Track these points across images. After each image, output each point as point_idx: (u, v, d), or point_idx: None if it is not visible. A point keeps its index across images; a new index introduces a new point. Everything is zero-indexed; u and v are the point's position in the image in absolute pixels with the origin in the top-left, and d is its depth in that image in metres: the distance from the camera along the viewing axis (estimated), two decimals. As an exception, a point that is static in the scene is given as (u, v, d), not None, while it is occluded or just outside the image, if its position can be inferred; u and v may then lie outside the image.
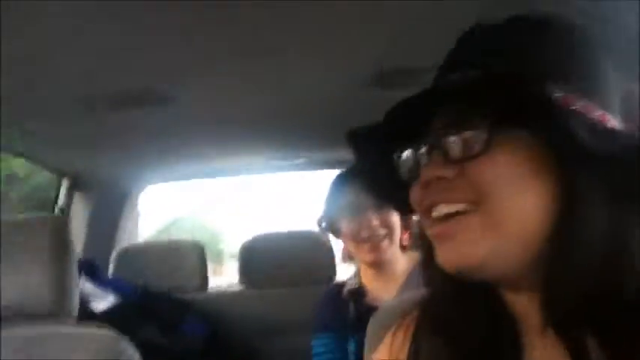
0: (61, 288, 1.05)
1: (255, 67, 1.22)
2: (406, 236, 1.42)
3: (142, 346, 1.15)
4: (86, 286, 1.55)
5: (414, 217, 1.44)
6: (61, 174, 2.04)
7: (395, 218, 1.38)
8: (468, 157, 0.48)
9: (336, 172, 1.61)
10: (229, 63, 1.19)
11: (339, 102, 1.50)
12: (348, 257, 1.55)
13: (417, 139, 0.53)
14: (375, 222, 1.36)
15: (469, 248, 0.48)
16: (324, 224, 1.49)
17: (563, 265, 0.47)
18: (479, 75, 0.49)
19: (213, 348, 1.67)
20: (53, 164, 1.96)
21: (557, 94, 0.45)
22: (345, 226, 1.42)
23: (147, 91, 1.31)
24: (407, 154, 0.54)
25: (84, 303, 1.48)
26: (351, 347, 1.37)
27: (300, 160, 2.18)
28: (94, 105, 1.36)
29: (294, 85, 1.37)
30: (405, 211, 0.59)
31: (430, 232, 0.52)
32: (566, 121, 0.44)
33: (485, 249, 0.47)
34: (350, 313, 1.41)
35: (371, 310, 1.36)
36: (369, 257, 1.39)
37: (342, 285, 1.50)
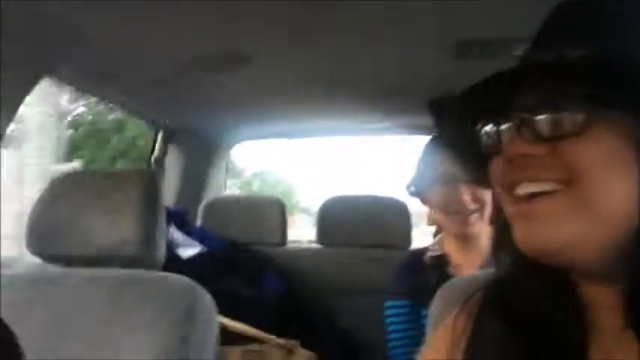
0: (149, 236, 1.14)
1: (343, 33, 1.24)
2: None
3: (222, 295, 1.24)
4: (175, 234, 1.66)
5: None
6: (157, 127, 2.17)
7: (487, 193, 1.32)
8: (564, 135, 0.47)
9: (417, 137, 1.60)
10: (316, 26, 1.22)
11: (423, 69, 1.49)
12: (434, 223, 1.53)
13: (500, 113, 0.52)
14: (466, 196, 1.33)
15: (553, 230, 0.47)
16: (413, 189, 1.47)
17: None
18: (585, 53, 0.47)
19: (289, 302, 1.74)
20: (151, 118, 2.09)
21: None
22: (434, 196, 1.40)
23: (233, 53, 1.38)
24: (490, 127, 0.54)
25: (172, 249, 1.59)
26: (426, 314, 1.37)
27: (383, 124, 2.18)
28: (190, 67, 1.45)
29: (378, 52, 1.38)
30: (484, 184, 0.59)
31: (511, 209, 0.51)
32: None
33: (569, 232, 0.46)
34: (429, 280, 1.38)
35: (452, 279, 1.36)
36: (456, 229, 1.37)
37: (422, 251, 1.49)
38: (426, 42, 1.30)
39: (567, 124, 0.47)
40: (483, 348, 0.57)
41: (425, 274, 1.41)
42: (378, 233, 1.99)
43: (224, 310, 1.24)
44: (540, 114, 0.48)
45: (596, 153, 0.46)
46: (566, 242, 0.46)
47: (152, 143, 2.20)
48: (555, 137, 0.47)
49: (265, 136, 2.48)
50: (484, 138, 0.54)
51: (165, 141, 2.19)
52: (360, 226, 2.00)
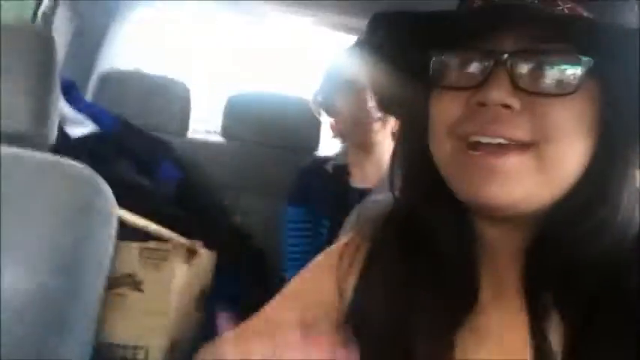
0: (41, 109, 0.98)
1: None
2: (397, 124, 1.40)
3: (116, 183, 1.12)
4: (64, 107, 1.46)
5: None
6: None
7: None
8: (548, 93, 0.44)
9: (342, 37, 1.54)
10: None
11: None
12: (338, 135, 1.53)
13: (470, 47, 0.47)
14: (371, 103, 1.33)
15: (513, 186, 0.46)
16: (319, 99, 1.47)
17: (571, 212, 0.47)
18: (594, 22, 0.45)
19: (185, 194, 1.65)
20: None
21: None
22: (340, 103, 1.41)
23: None
24: (454, 59, 0.49)
25: (60, 125, 1.40)
26: (325, 222, 1.40)
27: (309, 18, 2.04)
28: None
29: None
30: (393, 113, 0.62)
31: (465, 157, 0.47)
32: None
33: (527, 189, 0.46)
34: (330, 188, 1.43)
35: (352, 190, 1.39)
36: (359, 137, 1.40)
37: (325, 160, 1.52)
38: None
39: (554, 84, 0.45)
40: (375, 277, 0.57)
41: (326, 182, 1.45)
42: (285, 134, 1.93)
43: (119, 200, 1.13)
44: (526, 64, 0.45)
45: (571, 118, 0.46)
46: (522, 198, 0.47)
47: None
48: (536, 93, 0.45)
49: None
50: (438, 69, 0.50)
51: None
52: (267, 125, 1.93)
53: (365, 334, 0.54)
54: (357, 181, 1.43)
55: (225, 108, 1.95)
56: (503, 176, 0.46)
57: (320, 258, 0.65)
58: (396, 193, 0.59)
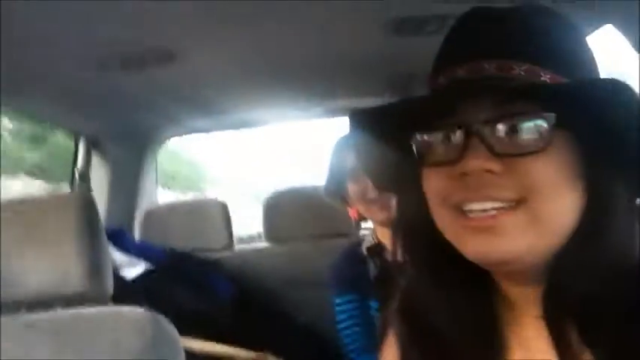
0: (94, 267, 1.04)
1: (267, 18, 1.17)
2: None
3: (177, 313, 1.16)
4: (115, 254, 1.55)
5: None
6: (77, 134, 2.01)
7: None
8: (522, 153, 0.47)
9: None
10: (239, 15, 1.14)
11: (356, 50, 1.45)
12: (361, 219, 1.54)
13: (445, 124, 0.51)
14: None
15: (510, 243, 0.48)
16: (331, 190, 1.49)
17: (577, 259, 0.48)
18: (560, 84, 0.48)
19: (241, 305, 1.68)
20: (69, 125, 1.93)
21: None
22: (351, 189, 1.41)
23: (155, 50, 1.29)
24: (433, 137, 0.52)
25: (114, 271, 1.48)
26: (374, 305, 1.38)
27: (318, 109, 2.13)
28: (106, 65, 1.33)
29: (307, 35, 1.32)
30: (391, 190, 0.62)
31: (462, 222, 0.50)
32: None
33: (524, 244, 0.48)
34: (370, 270, 1.42)
35: (391, 265, 1.38)
36: (379, 216, 1.39)
37: (359, 243, 1.51)
38: (358, 21, 1.26)
39: (527, 143, 0.47)
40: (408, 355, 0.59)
41: (364, 265, 1.44)
42: (324, 223, 1.96)
43: (182, 329, 1.17)
44: (497, 129, 0.48)
45: (551, 171, 0.47)
46: (521, 253, 0.48)
47: (73, 154, 2.04)
48: (514, 154, 0.47)
49: (193, 131, 2.37)
50: (420, 148, 0.53)
51: (89, 150, 2.03)
52: (306, 218, 1.97)
53: None
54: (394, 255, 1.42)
55: (264, 209, 2.01)
56: (499, 235, 0.48)
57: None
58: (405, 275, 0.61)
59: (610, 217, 0.49)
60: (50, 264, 1.01)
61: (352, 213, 1.51)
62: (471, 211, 0.49)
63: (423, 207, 0.55)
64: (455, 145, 0.49)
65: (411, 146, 0.54)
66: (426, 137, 0.52)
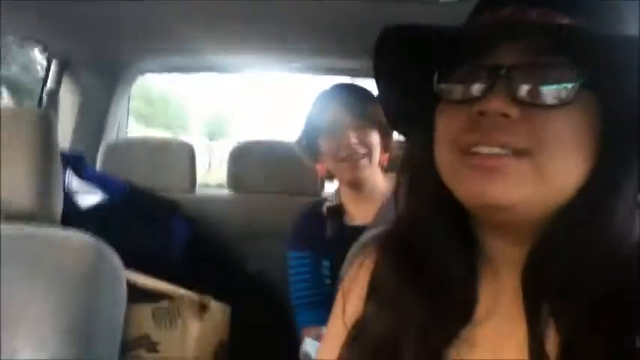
0: (44, 187, 1.02)
1: None
2: (386, 157, 1.43)
3: (128, 248, 1.16)
4: (73, 180, 1.53)
5: (395, 139, 1.46)
6: (51, 54, 1.95)
7: (374, 138, 1.38)
8: (544, 104, 0.47)
9: (335, 79, 1.57)
10: None
11: (350, 10, 1.42)
12: (328, 177, 1.55)
13: (471, 63, 0.50)
14: (354, 140, 1.36)
15: (509, 188, 0.48)
16: (304, 143, 1.49)
17: (569, 228, 0.48)
18: (574, 23, 0.48)
19: (197, 250, 1.69)
20: (44, 44, 1.87)
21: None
22: (323, 144, 1.42)
23: None
24: (458, 76, 0.51)
25: (70, 198, 1.46)
26: (326, 264, 1.40)
27: (297, 64, 2.11)
28: None
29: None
30: (400, 130, 0.62)
31: (466, 162, 0.50)
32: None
33: (525, 193, 0.48)
34: (327, 230, 1.44)
35: (348, 229, 1.40)
36: (347, 175, 1.40)
37: (321, 202, 1.52)
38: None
39: (550, 95, 0.47)
40: (382, 290, 0.59)
41: (322, 224, 1.45)
42: (289, 179, 1.96)
43: (130, 264, 1.17)
44: (524, 76, 0.47)
45: (567, 129, 0.47)
46: (519, 202, 0.48)
47: (44, 73, 1.98)
48: (533, 104, 0.47)
49: (169, 69, 2.32)
50: (443, 83, 0.53)
51: (60, 72, 1.97)
52: (271, 173, 1.97)
53: (361, 347, 0.57)
54: (352, 219, 1.43)
55: (229, 159, 2.00)
56: (502, 178, 0.47)
57: (342, 285, 0.67)
58: (400, 209, 0.61)
59: (615, 190, 0.49)
60: (1, 179, 0.99)
61: (320, 169, 1.52)
62: (478, 153, 0.48)
63: (430, 151, 0.55)
64: (477, 86, 0.49)
65: (431, 81, 0.53)
66: (450, 73, 0.52)
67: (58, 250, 0.95)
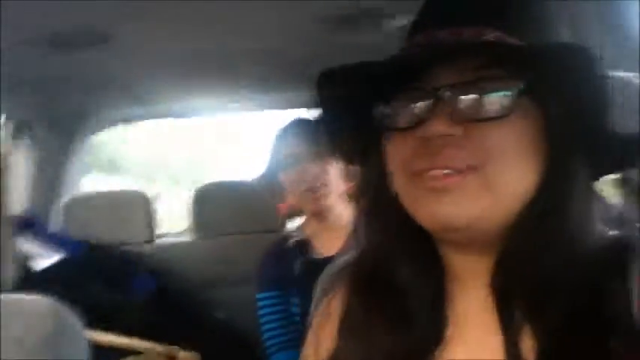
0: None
1: (209, 6, 1.16)
2: (351, 186, 1.43)
3: (88, 305, 1.12)
4: (25, 245, 1.49)
5: (354, 167, 1.47)
6: (6, 115, 1.91)
7: (335, 168, 1.39)
8: (484, 118, 0.48)
9: (293, 113, 1.59)
10: (172, 5, 1.12)
11: (299, 43, 1.46)
12: (290, 215, 1.55)
13: (410, 89, 0.51)
14: (315, 170, 1.37)
15: (468, 204, 0.48)
16: (265, 180, 1.51)
17: (530, 233, 0.49)
18: (521, 45, 0.49)
19: (163, 302, 1.65)
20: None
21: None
22: (285, 179, 1.43)
23: (86, 31, 1.25)
24: (398, 103, 0.52)
25: (24, 263, 1.42)
26: (295, 301, 1.39)
27: (254, 102, 2.12)
28: (35, 44, 1.28)
29: (248, 25, 1.32)
30: (354, 162, 0.63)
31: (418, 184, 0.50)
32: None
33: (477, 210, 0.48)
34: (294, 266, 1.43)
35: (315, 262, 1.39)
36: (311, 206, 1.41)
37: (286, 239, 1.51)
38: (294, 16, 1.27)
39: (490, 108, 0.48)
40: (352, 322, 0.59)
41: (289, 260, 1.44)
42: (251, 219, 1.95)
43: (92, 322, 1.14)
44: (461, 94, 0.49)
45: (512, 139, 0.48)
46: (474, 219, 0.49)
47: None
48: (476, 119, 0.48)
49: (124, 120, 2.30)
50: (384, 113, 0.54)
51: (15, 132, 1.93)
52: (234, 213, 1.95)
53: None
54: (320, 252, 1.43)
55: (192, 203, 1.98)
56: (454, 196, 0.48)
57: (315, 320, 0.67)
58: (360, 237, 0.62)
59: (567, 192, 0.49)
60: None
61: (282, 208, 1.52)
62: (431, 177, 0.49)
63: (383, 176, 0.56)
64: (419, 110, 0.50)
65: (373, 114, 0.54)
66: (391, 102, 0.53)
67: (13, 315, 0.91)
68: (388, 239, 0.58)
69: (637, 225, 0.53)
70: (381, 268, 0.58)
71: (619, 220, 0.53)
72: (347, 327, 0.60)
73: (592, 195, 0.52)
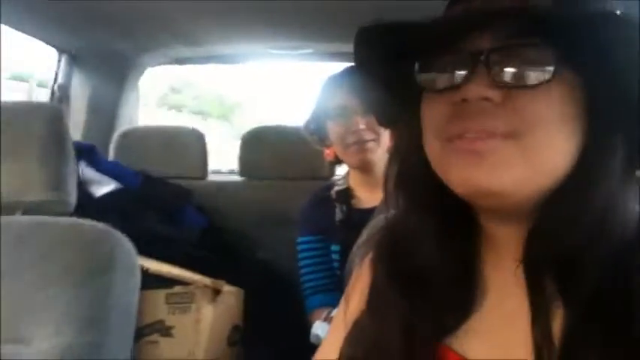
0: (57, 178, 1.05)
1: None
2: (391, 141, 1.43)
3: (140, 235, 1.18)
4: (85, 171, 1.55)
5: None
6: (60, 50, 1.97)
7: None
8: (524, 86, 0.47)
9: (339, 65, 1.58)
10: None
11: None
12: (336, 161, 1.56)
13: (450, 51, 0.51)
14: (362, 126, 1.36)
15: (501, 172, 0.47)
16: (312, 127, 1.50)
17: (564, 206, 0.48)
18: (566, 13, 0.47)
19: (211, 238, 1.71)
20: (53, 40, 1.89)
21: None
22: (331, 129, 1.43)
23: None
24: (438, 64, 0.52)
25: (83, 188, 1.49)
26: (335, 248, 1.42)
27: (308, 51, 2.10)
28: None
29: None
30: (392, 124, 0.62)
31: (453, 147, 0.50)
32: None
33: (513, 176, 0.48)
34: (335, 215, 1.45)
35: (356, 212, 1.41)
36: (355, 159, 1.41)
37: (329, 187, 1.53)
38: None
39: (530, 76, 0.47)
40: (376, 293, 0.60)
41: (331, 209, 1.46)
42: (300, 165, 1.97)
43: (144, 251, 1.19)
44: (503, 59, 0.48)
45: (550, 108, 0.47)
46: (509, 185, 0.48)
47: (55, 69, 2.00)
48: (514, 86, 0.47)
49: (179, 61, 2.33)
50: (424, 75, 0.53)
51: (70, 66, 2.00)
52: (282, 157, 1.98)
53: (358, 348, 0.58)
54: (361, 203, 1.44)
55: (241, 145, 2.02)
56: (490, 161, 0.47)
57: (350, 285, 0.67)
58: (393, 204, 0.61)
59: (605, 169, 0.49)
60: (13, 171, 1.01)
61: (328, 153, 1.53)
62: (464, 138, 0.49)
63: (418, 142, 0.55)
64: (458, 73, 0.50)
65: (413, 74, 0.54)
66: (430, 63, 0.52)
67: (71, 238, 0.97)
68: (417, 207, 0.58)
69: None
70: (408, 237, 0.58)
71: None
72: (371, 297, 0.60)
73: (632, 175, 0.50)
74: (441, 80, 0.51)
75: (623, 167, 0.49)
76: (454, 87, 0.50)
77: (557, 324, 0.48)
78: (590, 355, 0.45)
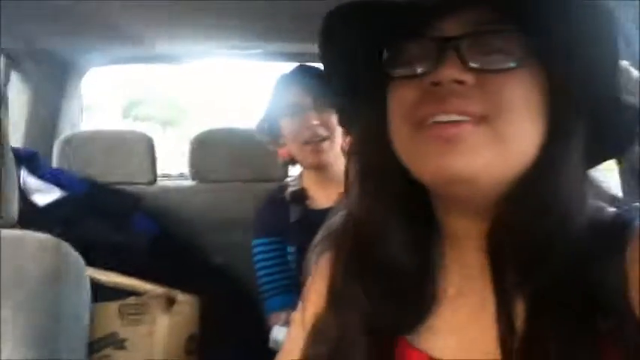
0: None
1: None
2: (347, 140, 1.42)
3: (89, 244, 1.13)
4: (27, 179, 1.48)
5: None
6: (-1, 51, 1.87)
7: (335, 120, 1.36)
8: (495, 70, 0.47)
9: (293, 65, 1.57)
10: None
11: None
12: (290, 161, 1.55)
13: (419, 36, 0.50)
14: (316, 122, 1.36)
15: (476, 156, 0.47)
16: (265, 127, 1.49)
17: (527, 195, 0.49)
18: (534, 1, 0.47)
19: (162, 245, 1.66)
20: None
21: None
22: (285, 127, 1.42)
23: None
24: (406, 49, 0.51)
25: (25, 197, 1.42)
26: (291, 249, 1.42)
27: (258, 51, 2.07)
28: None
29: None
30: (353, 120, 0.60)
31: (424, 134, 0.49)
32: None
33: (486, 160, 0.47)
34: (290, 216, 1.45)
35: (311, 213, 1.41)
36: (310, 159, 1.41)
37: (284, 188, 1.52)
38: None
39: (500, 60, 0.48)
40: (335, 291, 0.59)
41: (286, 210, 1.46)
42: (252, 167, 1.93)
43: (93, 261, 1.15)
44: (473, 44, 0.48)
45: (520, 93, 0.48)
46: (481, 170, 0.48)
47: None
48: (484, 70, 0.48)
49: (122, 61, 2.25)
50: (392, 59, 0.52)
51: (8, 68, 1.90)
52: (234, 160, 1.94)
53: (319, 348, 0.57)
54: (315, 203, 1.44)
55: (190, 149, 1.96)
56: (460, 146, 0.47)
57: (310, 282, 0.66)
58: (353, 199, 0.60)
59: (565, 158, 0.49)
60: None
61: (282, 153, 1.51)
62: (435, 122, 0.48)
63: (382, 134, 0.54)
64: (430, 57, 0.49)
65: (378, 60, 0.53)
66: (399, 48, 0.52)
67: (16, 251, 0.92)
68: (379, 196, 0.56)
69: (636, 204, 0.53)
70: (369, 234, 0.57)
71: (614, 199, 0.53)
72: (331, 295, 0.60)
73: (592, 167, 0.52)
74: (410, 67, 0.51)
75: (584, 158, 0.50)
76: (423, 73, 0.49)
77: (520, 317, 0.48)
78: (550, 346, 0.46)
